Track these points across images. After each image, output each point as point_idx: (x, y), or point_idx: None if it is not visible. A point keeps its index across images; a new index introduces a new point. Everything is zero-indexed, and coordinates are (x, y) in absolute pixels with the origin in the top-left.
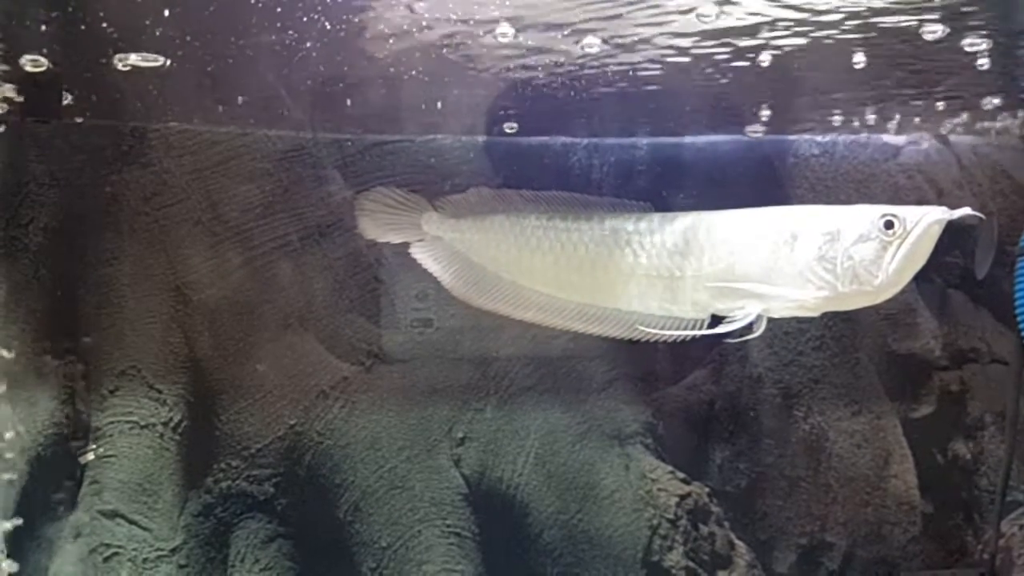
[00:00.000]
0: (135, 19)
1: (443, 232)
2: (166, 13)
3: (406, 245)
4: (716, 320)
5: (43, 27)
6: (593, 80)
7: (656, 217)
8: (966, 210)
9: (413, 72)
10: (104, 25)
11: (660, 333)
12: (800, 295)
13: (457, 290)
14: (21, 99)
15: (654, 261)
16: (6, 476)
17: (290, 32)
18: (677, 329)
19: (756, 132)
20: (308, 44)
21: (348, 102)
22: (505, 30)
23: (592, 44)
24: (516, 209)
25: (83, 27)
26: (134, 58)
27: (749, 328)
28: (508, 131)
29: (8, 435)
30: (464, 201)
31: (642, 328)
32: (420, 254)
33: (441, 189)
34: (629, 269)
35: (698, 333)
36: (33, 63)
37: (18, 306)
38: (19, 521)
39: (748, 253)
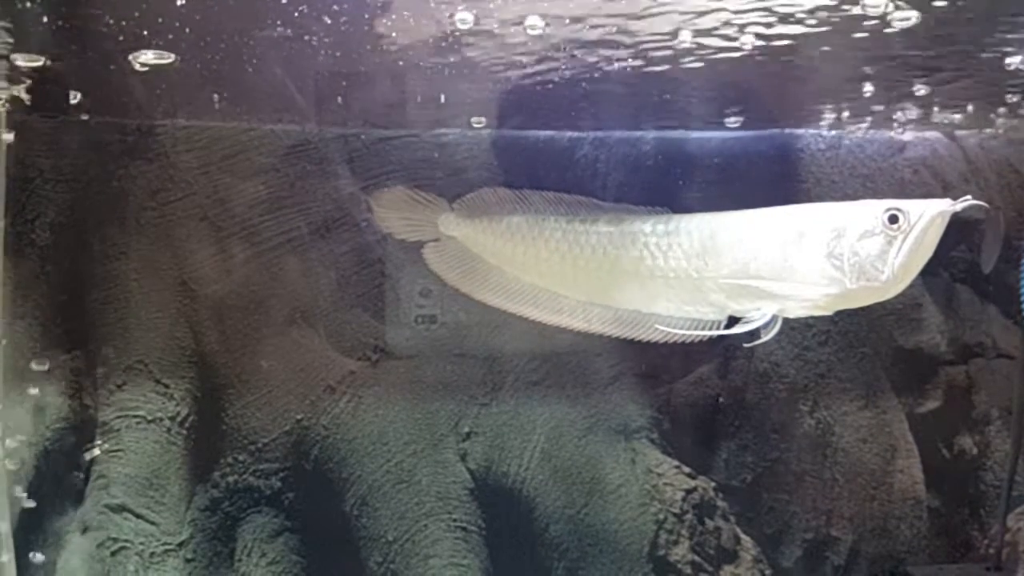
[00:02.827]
0: (146, 16)
1: (460, 232)
2: (179, 2)
3: (415, 242)
4: (732, 321)
5: (53, 24)
6: (600, 73)
7: (673, 219)
8: (969, 199)
9: (420, 66)
10: (114, 22)
11: (679, 334)
12: (811, 293)
13: (472, 290)
14: (29, 95)
15: (671, 263)
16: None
17: (296, 27)
18: (695, 330)
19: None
20: (314, 39)
21: (354, 97)
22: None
23: (535, 26)
24: (534, 210)
25: (94, 24)
26: (148, 56)
27: (765, 328)
28: (475, 125)
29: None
30: (481, 201)
31: (661, 329)
32: (432, 256)
33: (447, 184)
34: (647, 271)
35: (715, 333)
36: (41, 59)
37: (25, 301)
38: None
39: (761, 253)
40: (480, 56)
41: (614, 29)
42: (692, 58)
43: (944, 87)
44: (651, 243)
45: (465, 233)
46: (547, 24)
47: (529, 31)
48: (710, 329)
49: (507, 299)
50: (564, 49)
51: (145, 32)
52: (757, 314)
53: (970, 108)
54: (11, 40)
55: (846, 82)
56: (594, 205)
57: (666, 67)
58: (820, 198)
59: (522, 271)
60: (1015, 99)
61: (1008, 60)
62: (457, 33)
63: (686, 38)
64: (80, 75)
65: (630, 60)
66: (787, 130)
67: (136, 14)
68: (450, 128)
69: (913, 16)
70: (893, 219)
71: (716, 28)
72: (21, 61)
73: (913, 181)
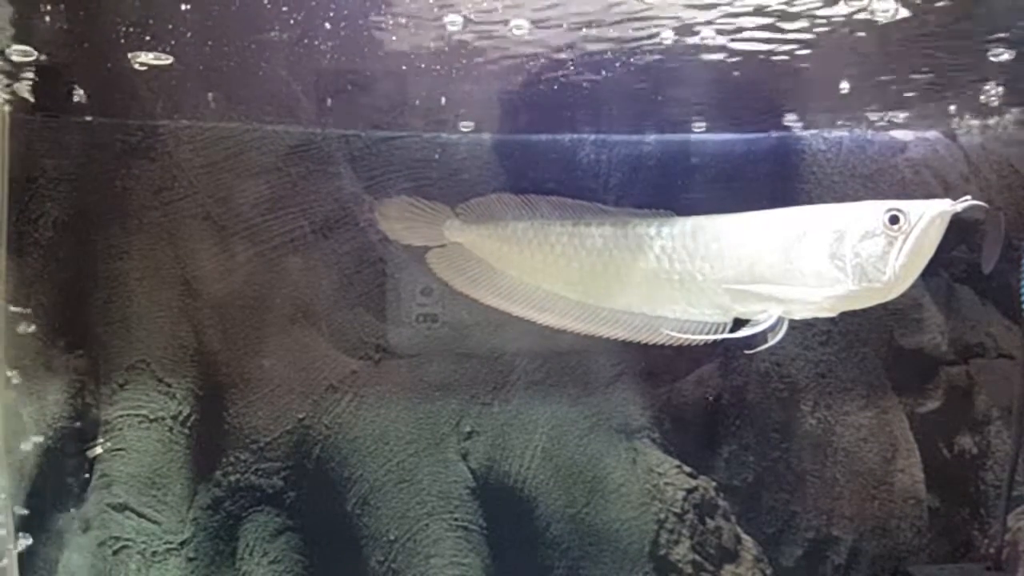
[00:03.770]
0: (148, 17)
1: (464, 238)
2: (182, 7)
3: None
4: (738, 322)
5: (54, 23)
6: (592, 74)
7: (678, 221)
8: (969, 200)
9: (421, 67)
10: (117, 22)
11: (685, 337)
12: (815, 295)
13: (478, 294)
14: (32, 95)
15: (676, 266)
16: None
17: (299, 28)
18: (701, 332)
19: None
20: (316, 40)
21: (356, 97)
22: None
23: (521, 26)
24: (538, 215)
25: (96, 24)
26: (147, 56)
27: (771, 331)
28: (464, 129)
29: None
30: (485, 206)
31: (667, 332)
32: (436, 261)
33: (448, 184)
34: (652, 274)
35: (721, 337)
36: (35, 54)
37: (28, 300)
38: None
39: (764, 255)
40: (468, 59)
41: (603, 30)
42: (678, 59)
43: (932, 82)
44: (655, 246)
45: (470, 238)
46: (534, 26)
47: (515, 31)
48: (716, 331)
49: (512, 303)
50: (554, 51)
51: (147, 36)
52: (763, 316)
53: (954, 105)
54: (11, 36)
55: (835, 80)
56: (598, 209)
57: (654, 68)
58: (821, 199)
59: (528, 275)
60: (999, 95)
61: (994, 52)
62: (447, 36)
63: (669, 36)
64: (82, 75)
65: (621, 61)
66: (774, 132)
67: (149, 21)
68: (439, 132)
69: (892, 8)
70: (894, 220)
71: (702, 28)
72: (16, 56)
73: (914, 181)
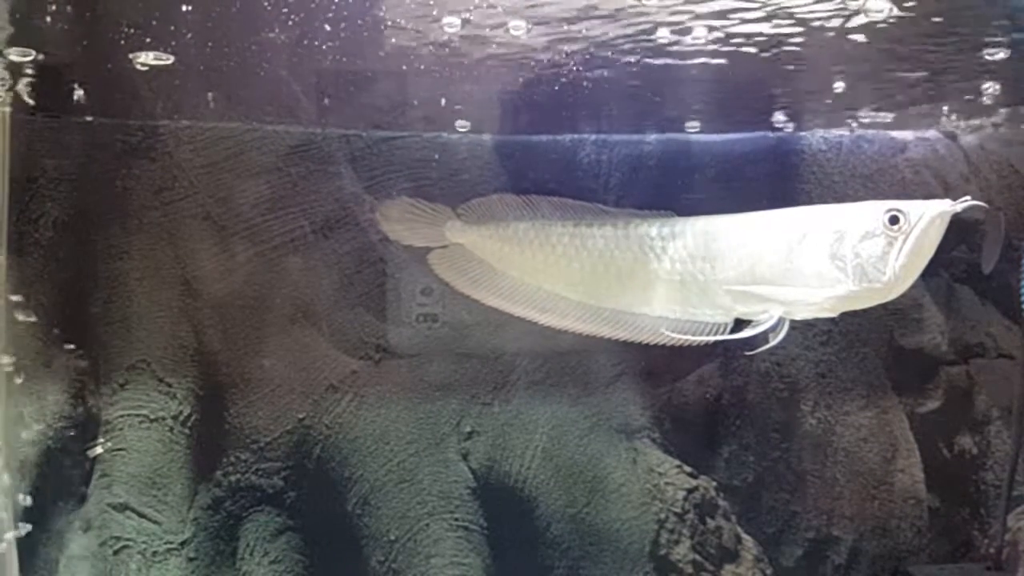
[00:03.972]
0: (149, 17)
1: (466, 239)
2: (183, 8)
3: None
4: (739, 322)
5: (54, 23)
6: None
7: (679, 222)
8: (969, 200)
9: (421, 67)
10: (118, 22)
11: (686, 337)
12: (816, 296)
13: (480, 295)
14: (32, 96)
15: (677, 266)
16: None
17: (299, 29)
18: (702, 333)
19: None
20: (316, 40)
21: (356, 97)
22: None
23: (519, 27)
24: (540, 215)
25: (96, 24)
26: (148, 57)
27: (772, 332)
28: (460, 129)
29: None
30: (486, 207)
31: (668, 333)
32: (438, 262)
33: (448, 184)
34: (654, 274)
35: (722, 338)
36: (32, 52)
37: (28, 300)
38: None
39: (765, 256)
40: (467, 60)
41: (600, 30)
42: (675, 57)
43: (927, 81)
44: (656, 247)
45: (471, 239)
46: (531, 27)
47: (513, 31)
48: (717, 332)
49: (514, 304)
50: (552, 51)
51: (148, 37)
52: (764, 316)
53: (949, 104)
54: (11, 36)
55: (830, 79)
56: (599, 210)
57: (652, 67)
58: (821, 199)
59: (529, 276)
60: (995, 95)
61: (990, 50)
62: (445, 37)
63: (664, 34)
64: (82, 75)
65: (620, 60)
66: (773, 132)
67: (150, 21)
68: (439, 132)
69: (886, 7)
70: (894, 220)
71: (695, 27)
72: (16, 56)
73: (914, 181)
